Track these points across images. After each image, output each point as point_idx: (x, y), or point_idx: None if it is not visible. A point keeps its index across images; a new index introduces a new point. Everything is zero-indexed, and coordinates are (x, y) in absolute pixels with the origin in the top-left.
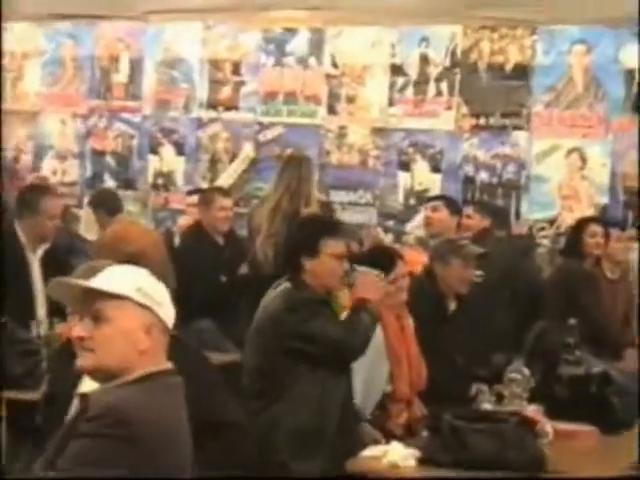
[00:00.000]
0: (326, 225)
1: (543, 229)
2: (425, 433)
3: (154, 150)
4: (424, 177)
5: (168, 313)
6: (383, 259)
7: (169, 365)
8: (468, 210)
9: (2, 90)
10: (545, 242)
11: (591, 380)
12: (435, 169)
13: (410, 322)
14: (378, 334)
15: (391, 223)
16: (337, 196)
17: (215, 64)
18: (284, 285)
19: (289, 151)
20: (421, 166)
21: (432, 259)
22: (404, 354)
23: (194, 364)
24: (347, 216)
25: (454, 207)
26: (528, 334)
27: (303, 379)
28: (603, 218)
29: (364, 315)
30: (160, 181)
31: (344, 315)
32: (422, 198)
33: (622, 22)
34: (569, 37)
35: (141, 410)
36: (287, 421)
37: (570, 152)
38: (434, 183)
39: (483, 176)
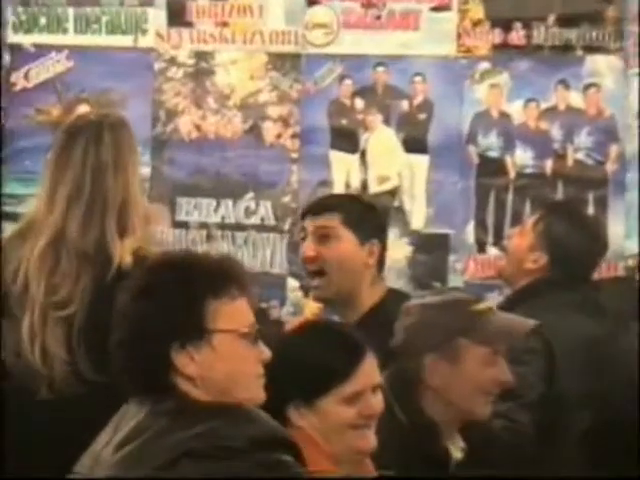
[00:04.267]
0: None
1: None
2: None
3: None
4: (389, 160)
5: None
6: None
7: None
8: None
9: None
10: None
11: None
12: (415, 143)
13: None
14: None
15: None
16: (187, 209)
17: None
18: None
19: (83, 109)
20: (382, 135)
21: (408, 350)
22: None
23: None
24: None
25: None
26: None
27: None
28: None
29: None
30: None
31: None
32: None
33: None
34: None
35: None
36: None
37: None
38: (415, 172)
39: (521, 156)
